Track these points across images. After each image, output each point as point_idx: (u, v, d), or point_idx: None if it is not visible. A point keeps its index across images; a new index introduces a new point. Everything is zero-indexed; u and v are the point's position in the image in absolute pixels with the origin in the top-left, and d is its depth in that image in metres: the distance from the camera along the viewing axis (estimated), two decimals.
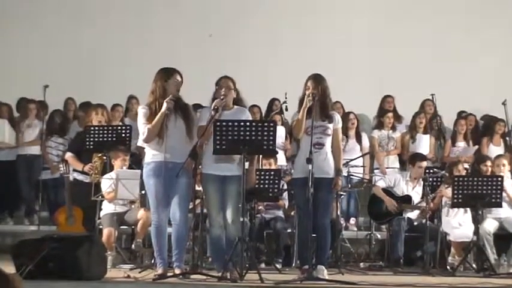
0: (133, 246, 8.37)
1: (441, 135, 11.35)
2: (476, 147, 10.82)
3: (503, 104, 11.00)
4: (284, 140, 10.63)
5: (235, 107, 6.99)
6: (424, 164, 9.32)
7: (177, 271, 6.65)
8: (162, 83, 6.72)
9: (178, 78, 6.75)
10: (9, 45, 12.50)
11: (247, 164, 6.87)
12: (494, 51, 12.54)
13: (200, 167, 6.91)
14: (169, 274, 6.61)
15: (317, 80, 7.05)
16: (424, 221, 8.83)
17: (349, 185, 10.14)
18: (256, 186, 7.78)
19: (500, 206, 8.60)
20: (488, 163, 9.25)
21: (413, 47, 12.51)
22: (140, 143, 6.83)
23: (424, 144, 10.82)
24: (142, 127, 6.67)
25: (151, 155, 6.71)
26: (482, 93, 12.02)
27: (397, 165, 10.97)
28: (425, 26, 12.65)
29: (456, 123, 11.18)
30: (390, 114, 11.14)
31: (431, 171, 9.29)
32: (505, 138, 10.99)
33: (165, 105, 6.57)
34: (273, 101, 11.39)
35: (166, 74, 6.75)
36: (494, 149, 10.72)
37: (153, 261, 7.45)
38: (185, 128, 6.72)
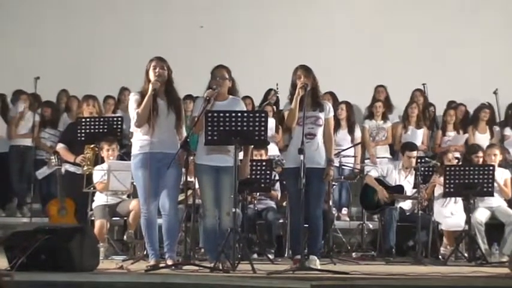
0: (125, 237, 8.37)
1: (434, 125, 11.35)
2: (467, 135, 10.81)
3: (494, 93, 11.01)
4: (274, 133, 10.50)
5: (230, 97, 6.98)
6: (414, 153, 9.24)
7: (169, 262, 6.66)
8: (146, 72, 6.77)
9: (154, 64, 6.74)
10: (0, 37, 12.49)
11: (241, 155, 6.88)
12: (487, 41, 12.54)
13: (192, 158, 6.91)
14: (161, 265, 6.62)
15: (308, 70, 7.07)
16: (416, 210, 8.84)
17: (342, 177, 10.15)
18: (248, 177, 7.78)
19: (491, 195, 8.61)
20: (480, 154, 9.24)
21: (408, 38, 12.51)
22: (132, 128, 6.85)
23: (418, 137, 10.75)
24: (134, 113, 6.70)
25: (138, 147, 6.73)
26: (474, 82, 12.02)
27: (388, 155, 10.97)
28: (424, 17, 12.67)
29: (445, 113, 11.12)
30: (378, 104, 11.06)
31: (422, 160, 9.27)
32: (491, 126, 10.94)
33: (150, 86, 6.61)
34: (269, 91, 11.25)
35: (148, 63, 6.79)
36: (480, 137, 10.68)
37: (145, 252, 7.44)
38: (175, 121, 6.77)
